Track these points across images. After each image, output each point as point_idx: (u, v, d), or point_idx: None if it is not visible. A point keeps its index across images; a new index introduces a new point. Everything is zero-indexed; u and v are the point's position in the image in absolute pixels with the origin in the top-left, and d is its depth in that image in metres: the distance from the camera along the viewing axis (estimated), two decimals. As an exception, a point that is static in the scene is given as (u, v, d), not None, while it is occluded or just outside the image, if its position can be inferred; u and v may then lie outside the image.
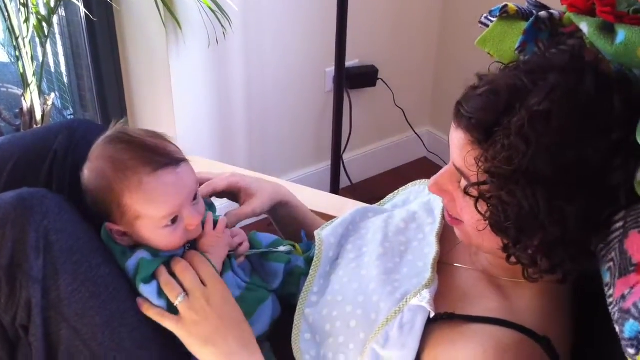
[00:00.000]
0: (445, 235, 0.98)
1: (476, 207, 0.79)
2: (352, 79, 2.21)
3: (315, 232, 1.04)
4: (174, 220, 0.92)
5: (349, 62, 2.20)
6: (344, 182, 2.31)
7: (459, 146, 0.80)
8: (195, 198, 0.95)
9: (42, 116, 1.81)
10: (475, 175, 0.78)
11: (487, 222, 0.79)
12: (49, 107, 1.82)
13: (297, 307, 0.96)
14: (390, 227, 1.02)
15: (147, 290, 0.90)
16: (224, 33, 1.77)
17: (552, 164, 0.72)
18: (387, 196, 1.16)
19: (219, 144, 2.09)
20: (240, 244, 1.00)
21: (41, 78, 1.80)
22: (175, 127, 1.96)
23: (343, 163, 2.28)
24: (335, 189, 2.11)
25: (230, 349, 0.89)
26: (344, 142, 2.24)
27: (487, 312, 0.85)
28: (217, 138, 2.08)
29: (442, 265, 0.94)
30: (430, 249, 0.96)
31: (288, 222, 1.16)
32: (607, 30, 0.78)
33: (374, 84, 2.29)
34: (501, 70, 0.83)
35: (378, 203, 1.16)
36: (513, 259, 0.81)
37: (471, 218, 0.83)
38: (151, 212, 0.90)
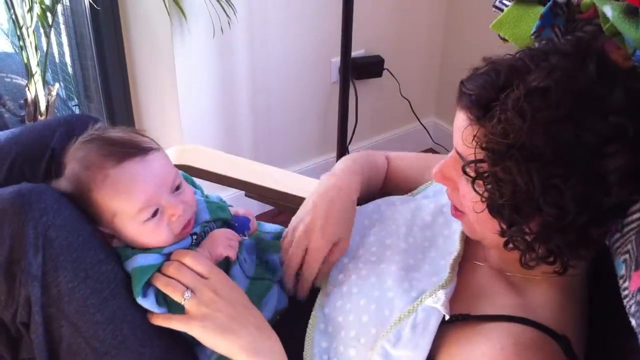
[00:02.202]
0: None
1: (473, 187, 0.78)
2: (357, 69, 2.19)
3: None
4: (155, 214, 0.90)
5: (355, 52, 2.18)
6: (349, 173, 2.30)
7: (459, 127, 0.80)
8: (178, 188, 0.93)
9: (47, 107, 1.80)
10: (473, 154, 0.77)
11: (485, 203, 0.78)
12: (53, 98, 1.81)
13: (317, 299, 0.95)
14: (416, 219, 1.01)
15: (146, 303, 0.88)
16: (228, 22, 1.75)
17: (547, 140, 0.71)
18: (420, 187, 1.12)
19: (224, 134, 2.08)
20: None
21: (45, 68, 1.79)
22: (179, 117, 1.95)
23: (348, 153, 2.27)
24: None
25: (250, 334, 0.87)
26: (349, 133, 2.23)
27: (503, 310, 0.83)
28: (222, 128, 2.07)
29: (463, 263, 0.93)
30: (454, 247, 0.94)
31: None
32: (632, 14, 0.77)
33: (379, 75, 2.27)
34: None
35: (410, 193, 1.12)
36: (510, 245, 0.79)
37: (471, 203, 0.81)
38: (123, 206, 0.88)
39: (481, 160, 0.76)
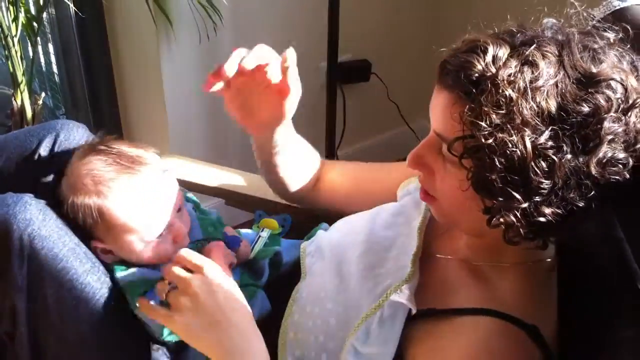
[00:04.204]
0: (430, 227, 0.97)
1: (460, 163, 0.76)
2: (345, 73, 2.19)
3: (302, 245, 1.03)
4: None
5: (342, 57, 2.18)
6: (338, 178, 2.30)
7: (442, 108, 0.78)
8: (179, 209, 0.93)
9: (33, 116, 1.79)
10: (461, 131, 0.75)
11: (471, 181, 0.76)
12: (39, 107, 1.80)
13: (287, 307, 0.95)
14: (377, 221, 1.01)
15: (141, 314, 0.88)
16: (214, 28, 1.75)
17: (540, 110, 0.72)
18: (398, 191, 1.11)
19: (211, 141, 2.08)
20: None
21: (31, 77, 1.78)
22: (167, 124, 1.95)
23: (337, 158, 2.27)
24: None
25: (230, 338, 0.82)
26: (337, 138, 2.23)
27: (469, 303, 0.84)
28: (210, 135, 2.06)
29: (425, 257, 0.93)
30: (414, 243, 0.94)
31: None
32: None
33: (367, 79, 2.28)
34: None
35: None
36: (495, 221, 0.77)
37: (452, 185, 0.80)
38: (137, 224, 0.89)
39: (471, 136, 0.75)
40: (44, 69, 2.20)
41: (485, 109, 0.73)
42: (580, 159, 0.73)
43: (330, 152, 2.03)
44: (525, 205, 0.74)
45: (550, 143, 0.72)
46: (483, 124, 0.73)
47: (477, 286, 0.86)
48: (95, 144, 0.94)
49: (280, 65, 0.91)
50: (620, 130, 0.73)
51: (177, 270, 0.84)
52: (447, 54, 0.79)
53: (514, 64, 0.73)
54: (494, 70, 0.73)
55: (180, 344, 0.89)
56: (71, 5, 1.77)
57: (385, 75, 2.29)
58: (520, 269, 0.85)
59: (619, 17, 0.94)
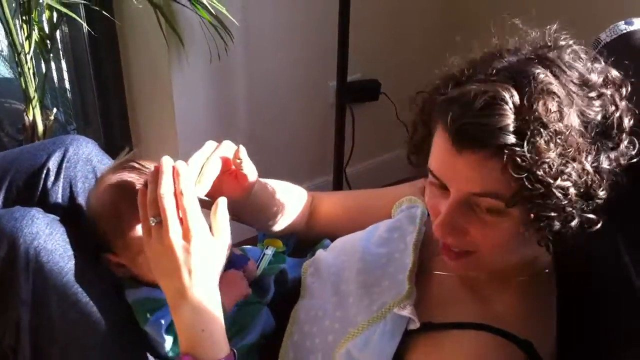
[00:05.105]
0: (426, 243, 0.97)
1: (532, 212, 0.74)
2: (354, 93, 2.20)
3: (304, 264, 1.04)
4: None
5: (351, 76, 2.19)
6: (346, 196, 2.30)
7: (471, 169, 0.75)
8: None
9: (44, 131, 1.81)
10: (506, 186, 0.73)
11: (532, 221, 0.75)
12: (50, 122, 1.82)
13: (287, 327, 0.95)
14: (373, 238, 1.01)
15: (151, 329, 0.89)
16: (225, 49, 1.77)
17: (578, 130, 0.74)
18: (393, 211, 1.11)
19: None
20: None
21: (43, 93, 1.80)
22: (177, 142, 1.96)
23: (346, 176, 2.27)
24: (337, 203, 2.10)
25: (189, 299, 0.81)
26: (347, 156, 2.24)
27: (465, 317, 0.84)
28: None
29: (422, 274, 0.93)
30: (410, 259, 0.94)
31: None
32: None
33: (376, 98, 2.28)
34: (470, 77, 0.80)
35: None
36: (546, 241, 0.78)
37: (497, 234, 0.78)
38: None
39: (540, 182, 0.72)
40: (56, 85, 2.23)
41: (541, 151, 0.71)
42: (613, 157, 0.77)
43: (338, 171, 2.03)
44: (579, 218, 0.76)
45: (600, 157, 0.75)
46: (545, 166, 0.72)
47: (473, 301, 0.86)
48: (130, 160, 0.94)
49: (233, 158, 0.93)
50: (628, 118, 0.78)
51: (171, 214, 0.80)
52: (456, 117, 0.75)
53: (539, 100, 0.72)
54: (529, 114, 0.72)
55: None
56: (84, 24, 1.80)
57: (394, 95, 2.29)
58: (518, 282, 0.86)
59: (626, 41, 0.94)
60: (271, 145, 2.17)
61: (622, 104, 0.78)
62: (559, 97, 0.73)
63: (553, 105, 0.72)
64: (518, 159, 0.71)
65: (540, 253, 0.86)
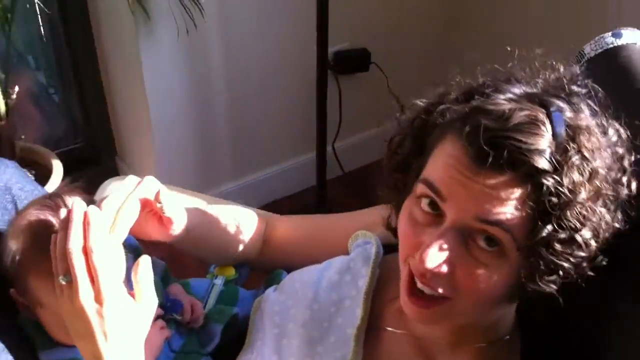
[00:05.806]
0: (379, 290, 0.86)
1: (553, 253, 0.64)
2: (342, 63, 2.09)
3: (255, 302, 0.93)
4: None
5: (339, 46, 2.07)
6: (335, 172, 2.21)
7: (488, 191, 0.64)
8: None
9: (7, 111, 1.73)
10: (520, 221, 0.64)
11: (538, 276, 0.66)
12: (13, 102, 1.74)
13: None
14: (323, 280, 0.89)
15: None
16: (194, 22, 1.64)
17: (606, 164, 0.67)
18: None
19: (199, 139, 2.00)
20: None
21: (6, 71, 1.71)
22: (150, 123, 1.88)
23: (335, 151, 2.18)
24: (321, 179, 2.00)
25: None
26: (335, 130, 2.13)
27: None
28: (197, 132, 1.98)
29: (371, 331, 0.83)
30: (359, 311, 0.83)
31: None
32: None
33: (366, 69, 2.16)
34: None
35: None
36: (532, 293, 0.68)
37: (493, 282, 0.66)
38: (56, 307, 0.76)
39: (550, 228, 0.63)
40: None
41: (577, 188, 0.63)
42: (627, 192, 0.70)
43: (322, 145, 1.91)
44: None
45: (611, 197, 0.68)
46: (578, 207, 0.63)
47: None
48: (55, 195, 0.86)
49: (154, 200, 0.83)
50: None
51: (80, 274, 0.70)
52: (485, 129, 0.63)
53: (578, 133, 0.65)
54: (569, 143, 0.64)
55: None
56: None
57: (385, 65, 2.16)
58: (477, 350, 0.76)
59: (611, 57, 0.82)
60: (252, 123, 2.07)
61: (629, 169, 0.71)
62: (595, 134, 0.66)
63: (590, 142, 0.65)
64: (552, 190, 0.62)
65: (504, 315, 0.77)
